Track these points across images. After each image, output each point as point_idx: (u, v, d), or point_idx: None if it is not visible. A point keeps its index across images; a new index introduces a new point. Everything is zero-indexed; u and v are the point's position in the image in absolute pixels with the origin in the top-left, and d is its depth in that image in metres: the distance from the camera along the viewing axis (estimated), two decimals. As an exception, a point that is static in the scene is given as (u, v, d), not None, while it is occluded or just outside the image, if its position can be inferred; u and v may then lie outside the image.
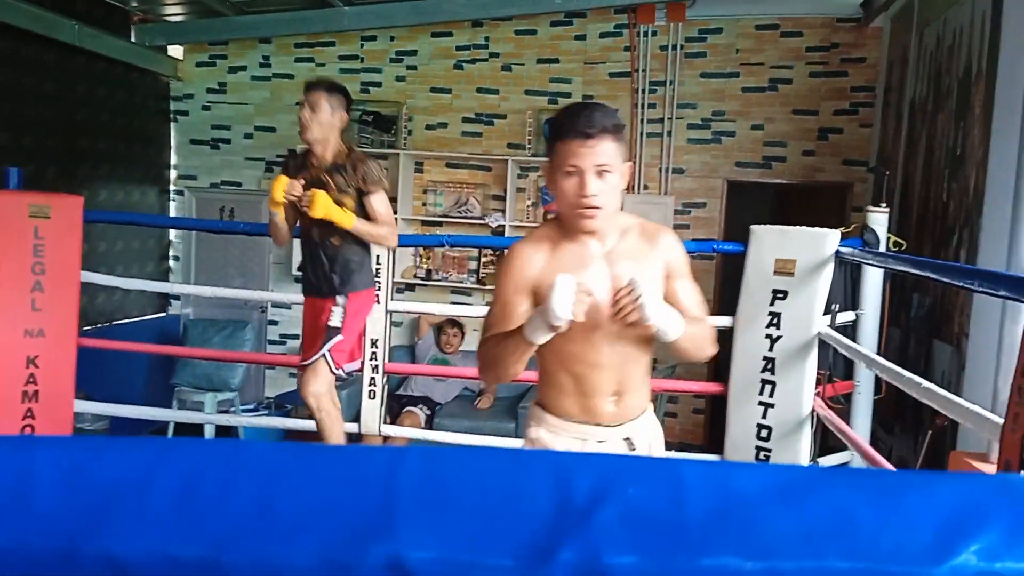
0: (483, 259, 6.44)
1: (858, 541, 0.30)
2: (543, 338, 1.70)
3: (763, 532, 0.30)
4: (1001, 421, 2.02)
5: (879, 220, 4.15)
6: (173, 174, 6.95)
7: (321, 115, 3.26)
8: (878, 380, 4.05)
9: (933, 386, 2.47)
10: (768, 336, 3.64)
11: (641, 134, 6.12)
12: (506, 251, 1.87)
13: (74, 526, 0.31)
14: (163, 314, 6.93)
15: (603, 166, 1.74)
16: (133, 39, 6.34)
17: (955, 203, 3.95)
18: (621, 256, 1.85)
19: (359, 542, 0.31)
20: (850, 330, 3.99)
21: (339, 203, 3.21)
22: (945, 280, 2.50)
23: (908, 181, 4.80)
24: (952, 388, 3.60)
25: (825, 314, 3.61)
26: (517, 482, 0.32)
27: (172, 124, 6.93)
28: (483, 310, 5.80)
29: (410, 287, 6.55)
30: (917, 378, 2.57)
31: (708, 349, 1.91)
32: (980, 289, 2.15)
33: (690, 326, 1.79)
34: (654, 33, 6.11)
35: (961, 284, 2.29)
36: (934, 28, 4.51)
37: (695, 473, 0.32)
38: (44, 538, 0.31)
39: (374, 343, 4.13)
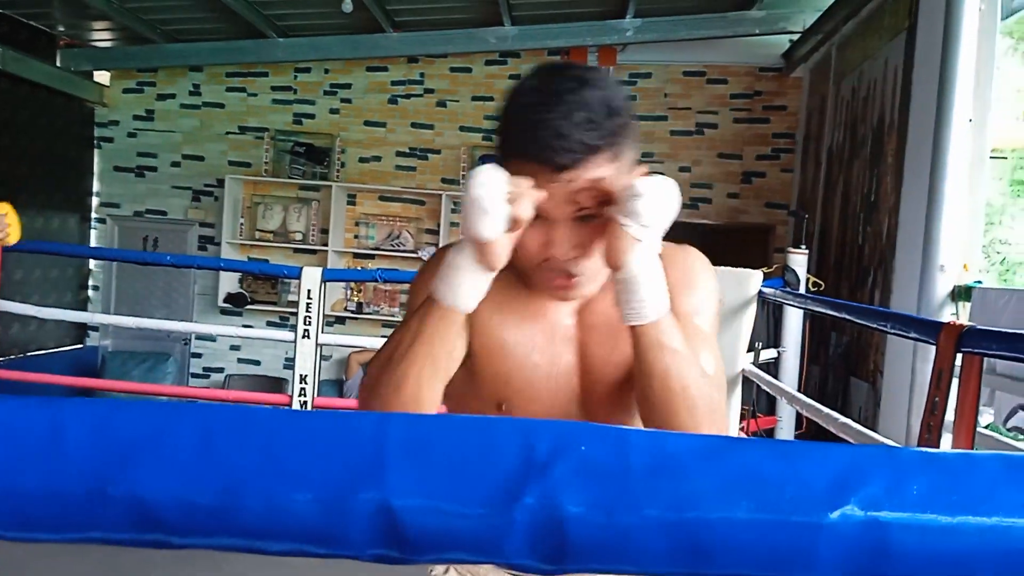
0: (414, 293, 6.43)
1: (764, 495, 0.37)
2: (467, 287, 0.98)
3: (690, 487, 0.37)
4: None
5: (799, 261, 4.32)
6: (95, 201, 6.76)
7: None
8: (799, 415, 4.18)
9: (849, 421, 2.57)
10: (695, 372, 3.72)
11: (572, 173, 6.25)
12: (433, 256, 1.16)
13: (103, 470, 0.37)
14: (80, 345, 6.69)
15: (586, 208, 0.99)
16: (59, 63, 6.19)
17: (870, 246, 4.14)
18: (603, 313, 1.09)
19: (351, 489, 0.37)
20: (772, 367, 4.12)
21: None
22: (860, 322, 2.62)
23: (826, 224, 5.01)
24: (868, 422, 3.75)
25: (749, 352, 3.72)
26: (487, 442, 0.39)
27: (96, 151, 6.76)
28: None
29: (340, 320, 6.49)
30: (835, 414, 2.67)
31: (702, 417, 1.02)
32: (892, 331, 2.26)
33: (679, 341, 1.01)
34: (586, 75, 6.25)
35: (875, 326, 2.40)
36: (850, 80, 4.75)
37: (638, 435, 0.39)
38: (76, 481, 0.36)
39: (303, 378, 4.07)
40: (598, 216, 0.99)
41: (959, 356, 2.02)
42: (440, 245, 6.24)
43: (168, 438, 0.36)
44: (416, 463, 0.36)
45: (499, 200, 0.93)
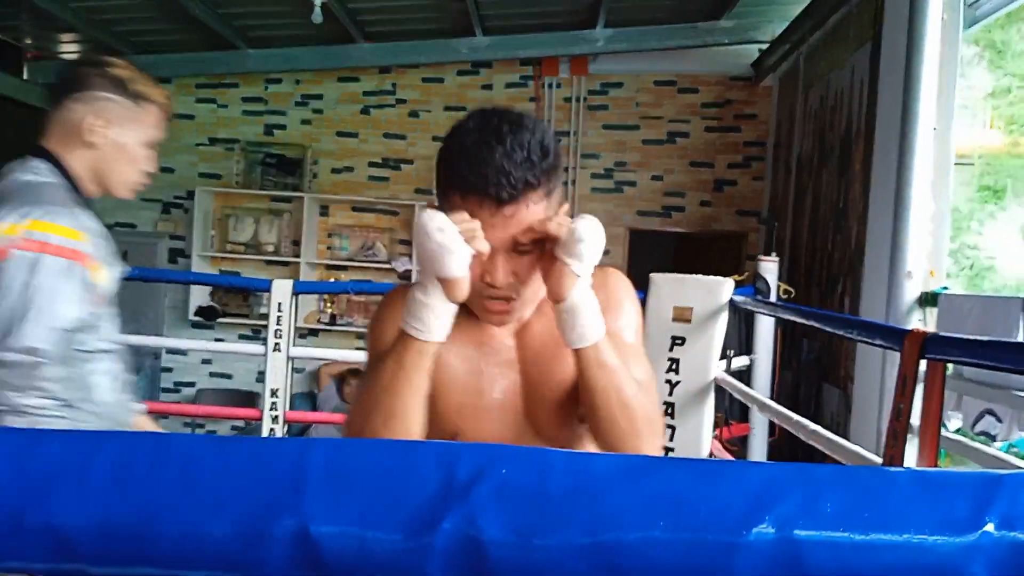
0: (389, 304, 6.41)
1: (681, 515, 0.38)
2: (439, 321, 1.06)
3: (608, 508, 0.37)
4: (880, 461, 2.14)
5: (770, 269, 4.36)
6: (64, 214, 6.68)
7: None
8: (772, 423, 4.21)
9: (819, 428, 2.59)
10: (668, 381, 3.74)
11: (546, 182, 6.28)
12: (383, 298, 1.26)
13: (20, 500, 0.37)
14: (49, 360, 6.59)
15: (523, 244, 1.09)
16: (26, 76, 6.12)
17: (839, 253, 4.19)
18: (540, 335, 1.19)
19: (270, 516, 0.37)
20: (745, 375, 4.15)
21: None
22: (828, 329, 2.64)
23: (797, 232, 5.06)
24: (840, 429, 3.78)
25: (721, 359, 3.74)
26: (407, 466, 0.39)
27: (65, 163, 6.69)
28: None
29: (313, 332, 6.45)
30: (805, 421, 2.70)
31: (649, 438, 1.14)
32: (859, 338, 2.29)
33: (615, 359, 1.12)
34: (558, 85, 6.29)
35: (843, 334, 2.43)
36: (818, 90, 4.81)
37: (558, 457, 0.40)
38: None
39: (274, 392, 4.04)
40: (532, 251, 1.10)
41: (923, 362, 2.04)
42: (412, 255, 6.23)
43: (86, 467, 0.36)
44: (335, 489, 0.36)
45: (459, 240, 1.02)
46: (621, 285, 1.26)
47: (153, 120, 1.66)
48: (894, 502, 0.37)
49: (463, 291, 1.05)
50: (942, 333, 2.01)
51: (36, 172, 1.55)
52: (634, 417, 1.12)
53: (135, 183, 1.65)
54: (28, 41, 5.97)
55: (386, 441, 0.39)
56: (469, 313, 1.15)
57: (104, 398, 1.59)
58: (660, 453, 1.22)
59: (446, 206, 1.10)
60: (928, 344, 1.97)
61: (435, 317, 1.06)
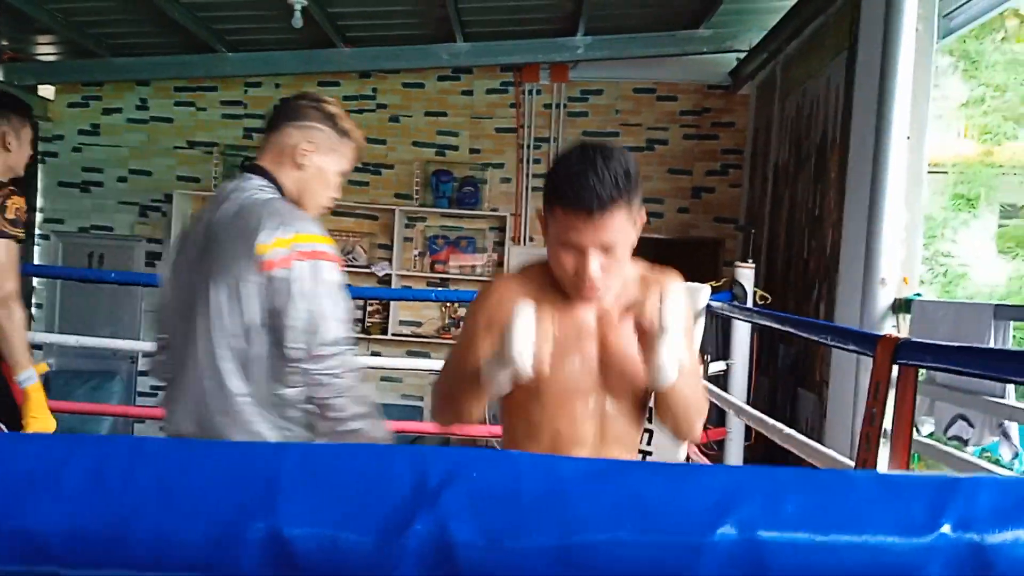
0: (369, 308, 6.40)
1: (647, 517, 0.39)
2: (502, 384, 1.38)
3: (576, 511, 0.38)
4: (853, 465, 2.16)
5: (747, 275, 4.39)
6: (39, 217, 6.61)
7: None
8: (748, 427, 4.24)
9: (794, 432, 2.62)
10: (645, 386, 3.76)
11: (527, 188, 6.29)
12: (486, 285, 1.58)
13: None
14: None
15: (610, 244, 1.42)
16: (2, 77, 6.06)
17: (815, 260, 4.23)
18: (614, 320, 1.52)
19: (244, 518, 0.37)
20: (722, 379, 4.18)
21: None
22: (803, 334, 2.67)
23: (773, 238, 5.11)
24: (815, 433, 3.82)
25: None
26: (380, 469, 0.40)
27: (40, 166, 6.62)
28: (368, 360, 5.76)
29: (292, 337, 6.41)
30: (780, 425, 2.72)
31: (698, 422, 1.58)
32: (832, 343, 2.32)
33: (688, 380, 1.49)
34: (538, 92, 6.31)
35: (817, 339, 2.46)
36: (794, 98, 4.86)
37: (528, 461, 0.41)
38: None
39: (253, 395, 4.01)
40: (619, 246, 1.43)
41: (895, 368, 2.07)
42: (392, 260, 6.22)
43: (60, 471, 0.36)
44: (308, 492, 0.36)
45: (528, 347, 1.31)
46: (681, 297, 1.51)
47: (350, 153, 1.91)
48: (854, 504, 0.38)
49: (526, 377, 1.35)
50: (913, 339, 2.05)
51: (264, 190, 1.78)
52: (693, 417, 1.54)
53: (325, 205, 1.89)
54: (4, 42, 5.91)
55: (358, 445, 0.40)
56: (563, 294, 1.50)
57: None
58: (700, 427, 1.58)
59: (550, 217, 1.45)
60: (900, 350, 2.00)
61: (505, 379, 1.36)
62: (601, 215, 1.39)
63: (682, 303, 1.41)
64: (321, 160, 1.83)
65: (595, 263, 1.42)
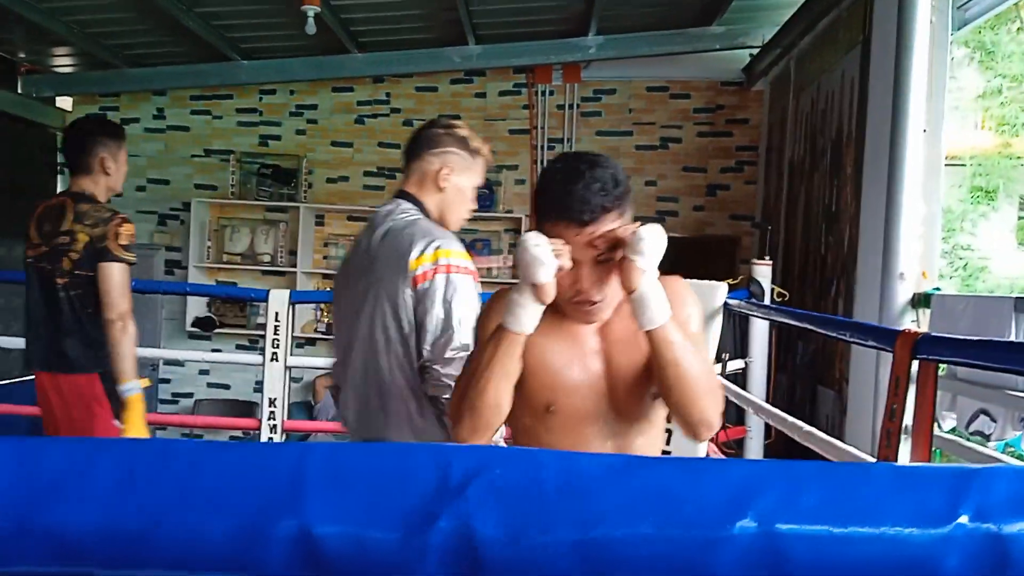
0: (385, 312, 6.42)
1: (666, 511, 0.39)
2: (527, 317, 1.36)
3: (597, 505, 0.39)
4: (874, 461, 2.15)
5: (763, 272, 4.37)
6: (59, 227, 6.68)
7: None
8: (768, 425, 4.22)
9: (814, 430, 2.61)
10: (663, 385, 3.75)
11: (540, 189, 6.30)
12: (490, 298, 1.58)
13: (27, 504, 0.38)
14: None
15: (604, 254, 1.38)
16: (20, 90, 6.13)
17: (832, 256, 4.21)
18: (619, 331, 1.48)
19: (272, 517, 0.38)
20: (740, 378, 4.17)
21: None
22: (821, 331, 2.66)
23: (790, 235, 5.08)
24: (835, 430, 3.80)
25: (716, 363, 3.76)
26: (404, 467, 0.40)
27: (59, 176, 6.69)
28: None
29: (310, 342, 6.45)
30: (800, 423, 2.71)
31: (711, 404, 1.42)
32: (851, 339, 2.31)
33: (680, 337, 1.39)
34: (551, 92, 6.31)
35: (835, 335, 2.45)
36: (809, 93, 4.84)
37: (550, 457, 0.41)
38: (1, 515, 0.38)
39: (272, 401, 4.05)
40: (610, 260, 1.38)
41: (915, 363, 2.06)
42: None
43: (91, 472, 0.37)
44: (334, 490, 0.37)
45: (550, 254, 1.33)
46: (683, 287, 1.53)
47: (482, 169, 2.10)
48: (871, 496, 0.38)
49: (550, 295, 1.35)
50: (933, 333, 2.03)
51: (412, 212, 2.00)
52: (698, 383, 1.40)
53: (464, 219, 2.10)
54: (22, 55, 5.98)
55: (382, 444, 0.41)
56: (563, 314, 1.45)
57: None
58: (720, 419, 1.47)
59: (541, 230, 1.40)
60: (920, 344, 1.99)
61: (526, 314, 1.36)
62: (592, 225, 1.36)
63: (661, 239, 1.36)
64: (458, 180, 2.04)
65: (591, 276, 1.39)
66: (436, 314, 1.85)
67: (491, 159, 2.16)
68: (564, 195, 1.37)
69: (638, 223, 1.41)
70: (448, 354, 1.84)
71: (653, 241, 1.35)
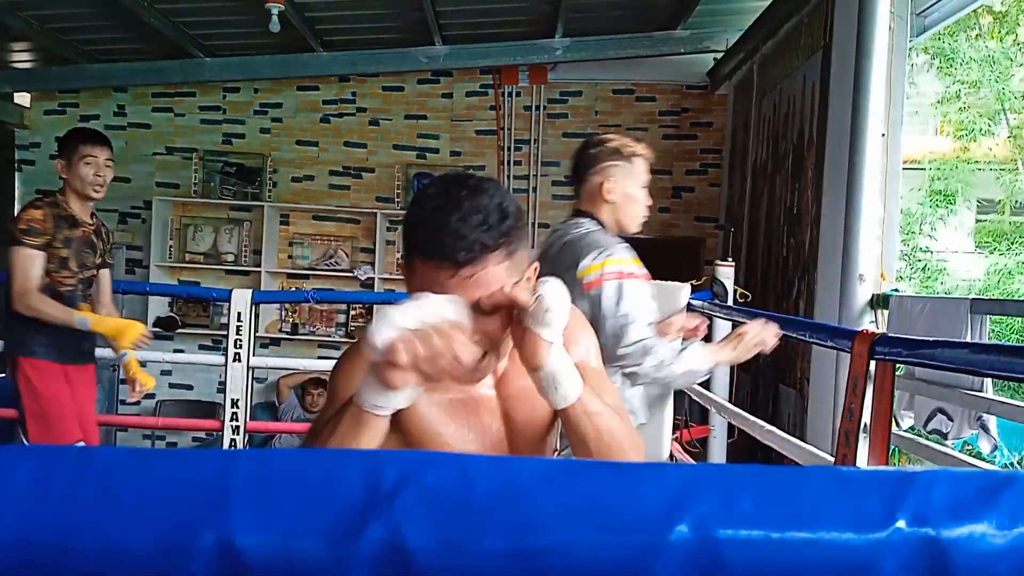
0: (352, 312, 6.38)
1: (602, 518, 0.38)
2: (380, 399, 1.01)
3: (531, 513, 0.38)
4: (833, 460, 2.18)
5: (726, 273, 4.41)
6: (16, 226, 6.54)
7: (111, 173, 3.11)
8: (731, 424, 4.26)
9: (775, 429, 2.64)
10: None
11: (507, 190, 6.29)
12: (346, 350, 1.35)
13: None
14: (2, 375, 6.44)
15: (486, 308, 1.11)
16: (-26, 84, 6.00)
17: (793, 257, 4.26)
18: (515, 383, 1.26)
19: (194, 528, 0.37)
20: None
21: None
22: (783, 332, 2.68)
23: (753, 236, 5.13)
24: (797, 429, 3.84)
25: (680, 363, 3.77)
26: (332, 474, 0.39)
27: (17, 173, 6.55)
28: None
29: (275, 342, 6.38)
30: (761, 422, 2.73)
31: (634, 455, 1.22)
32: (811, 340, 2.33)
33: (597, 402, 1.17)
34: (518, 94, 6.31)
35: (795, 336, 2.47)
36: (771, 97, 4.89)
37: (481, 463, 0.40)
38: None
39: (235, 402, 4.00)
40: (496, 311, 1.11)
41: (872, 363, 2.08)
42: (374, 263, 6.21)
43: (5, 480, 0.35)
44: (260, 500, 0.36)
45: (391, 330, 0.98)
46: (574, 316, 1.25)
47: (642, 169, 2.26)
48: (809, 500, 0.38)
49: (407, 391, 1.02)
50: (890, 334, 2.06)
51: (586, 226, 2.20)
52: (623, 450, 1.17)
53: (642, 217, 2.28)
54: (-23, 50, 5.85)
55: (311, 450, 0.39)
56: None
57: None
58: None
59: (410, 268, 1.14)
60: (877, 345, 2.01)
61: (386, 402, 1.02)
62: (471, 267, 1.07)
63: (565, 301, 1.11)
64: (624, 187, 2.21)
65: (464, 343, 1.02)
66: (607, 317, 2.03)
67: (649, 154, 2.30)
68: (436, 228, 1.09)
69: (532, 267, 1.19)
70: (620, 351, 2.02)
71: (560, 307, 1.09)
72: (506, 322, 1.12)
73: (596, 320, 2.01)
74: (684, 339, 2.46)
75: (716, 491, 0.38)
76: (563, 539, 0.37)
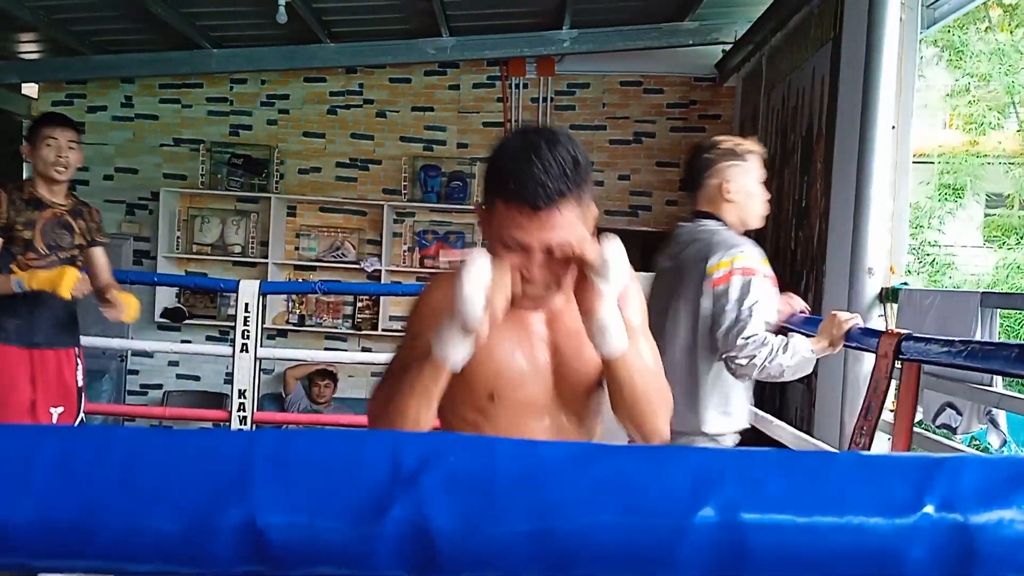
0: (359, 304, 6.38)
1: (627, 500, 0.38)
2: (455, 351, 1.21)
3: (555, 495, 0.38)
4: (842, 454, 2.17)
5: (735, 266, 4.39)
6: (24, 217, 6.56)
7: (78, 155, 3.16)
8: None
9: (783, 423, 2.63)
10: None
11: (514, 182, 6.28)
12: (428, 285, 1.47)
13: None
14: None
15: (558, 244, 1.26)
16: (-18, 75, 6.01)
17: (802, 251, 4.24)
18: (566, 322, 1.37)
19: (217, 507, 0.37)
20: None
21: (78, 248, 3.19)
22: (796, 329, 2.67)
23: (761, 230, 5.11)
24: (804, 423, 3.83)
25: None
26: (355, 455, 0.39)
27: (24, 164, 6.56)
28: (358, 356, 5.74)
29: (282, 333, 6.39)
30: (768, 416, 2.73)
31: (662, 414, 1.39)
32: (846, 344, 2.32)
33: (639, 359, 1.32)
34: (525, 86, 6.30)
35: (803, 332, 2.46)
36: (780, 90, 4.87)
37: (506, 445, 0.40)
38: None
39: (242, 393, 4.00)
40: (568, 259, 1.26)
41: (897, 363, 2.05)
42: (381, 255, 6.21)
43: (26, 461, 0.35)
44: (283, 479, 0.36)
45: (480, 299, 1.18)
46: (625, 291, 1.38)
47: (757, 164, 2.33)
48: (836, 485, 0.37)
49: (482, 337, 1.21)
50: (916, 334, 2.02)
51: (713, 225, 2.26)
52: (652, 401, 1.34)
53: (763, 212, 2.38)
54: (-15, 40, 5.85)
55: (334, 431, 0.39)
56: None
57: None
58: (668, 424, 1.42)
59: (491, 211, 1.29)
60: (903, 345, 1.97)
61: (455, 350, 1.22)
62: (548, 211, 1.22)
63: (624, 261, 1.25)
64: (741, 186, 2.27)
65: (541, 267, 1.26)
66: (730, 310, 2.11)
67: (762, 149, 2.38)
68: (518, 175, 1.22)
69: (595, 213, 1.34)
70: (739, 342, 2.09)
71: (619, 265, 1.24)
72: (570, 268, 1.27)
73: (718, 314, 2.12)
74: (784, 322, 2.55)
75: (741, 475, 0.37)
76: (586, 521, 0.37)
